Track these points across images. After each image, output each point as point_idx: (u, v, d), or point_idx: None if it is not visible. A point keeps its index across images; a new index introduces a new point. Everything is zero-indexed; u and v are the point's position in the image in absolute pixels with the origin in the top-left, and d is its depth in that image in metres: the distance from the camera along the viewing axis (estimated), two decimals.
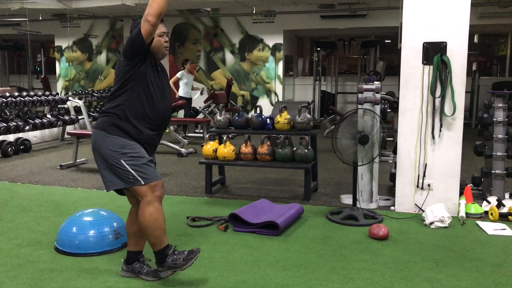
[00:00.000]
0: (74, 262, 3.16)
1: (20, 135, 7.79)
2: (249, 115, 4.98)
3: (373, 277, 2.94)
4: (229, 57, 12.97)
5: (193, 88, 9.70)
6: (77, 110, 9.84)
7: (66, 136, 8.82)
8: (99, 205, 4.39)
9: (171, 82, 9.41)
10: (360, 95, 4.54)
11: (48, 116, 8.47)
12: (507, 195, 4.48)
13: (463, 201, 4.18)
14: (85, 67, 14.32)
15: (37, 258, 3.22)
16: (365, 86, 4.51)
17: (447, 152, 4.19)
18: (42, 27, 13.90)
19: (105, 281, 2.87)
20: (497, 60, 13.60)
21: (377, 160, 4.49)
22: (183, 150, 7.48)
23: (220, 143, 5.09)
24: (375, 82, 4.53)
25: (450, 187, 4.21)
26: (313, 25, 12.26)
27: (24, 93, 8.24)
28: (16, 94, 8.12)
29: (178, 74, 9.49)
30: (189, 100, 9.56)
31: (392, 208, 4.43)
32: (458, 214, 4.12)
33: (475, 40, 13.42)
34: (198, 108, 10.17)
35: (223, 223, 3.89)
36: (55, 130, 8.95)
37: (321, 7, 11.68)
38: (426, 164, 4.24)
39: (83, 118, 9.34)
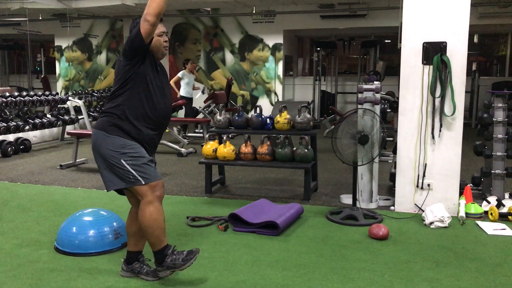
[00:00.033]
0: (74, 262, 3.16)
1: (20, 135, 7.79)
2: (249, 115, 4.98)
3: (373, 277, 2.94)
4: (229, 57, 12.97)
5: (194, 88, 9.70)
6: (77, 110, 9.84)
7: (66, 136, 8.81)
8: (99, 205, 4.39)
9: (172, 81, 9.43)
10: (360, 95, 4.54)
11: (48, 116, 8.47)
12: (507, 195, 4.48)
13: (463, 201, 4.18)
14: (85, 67, 14.32)
15: (37, 258, 3.22)
16: (365, 86, 4.52)
17: (447, 152, 4.19)
18: (42, 27, 13.90)
19: (105, 281, 2.87)
20: (497, 60, 13.60)
21: (377, 160, 4.49)
22: (183, 150, 7.48)
23: (220, 143, 5.09)
24: (375, 82, 4.53)
25: (450, 187, 4.22)
26: (313, 25, 12.26)
27: (24, 93, 8.24)
28: (16, 94, 8.12)
29: (180, 74, 9.49)
30: (190, 99, 9.57)
31: (392, 208, 4.43)
32: (458, 214, 4.12)
33: (475, 40, 13.42)
34: (198, 108, 10.17)
35: (223, 223, 3.89)
36: (55, 130, 8.95)
37: (321, 7, 11.68)
38: (426, 164, 4.24)
39: (83, 118, 9.34)
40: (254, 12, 12.04)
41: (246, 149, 4.85)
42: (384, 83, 8.96)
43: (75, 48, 14.30)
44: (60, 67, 14.61)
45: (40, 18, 13.03)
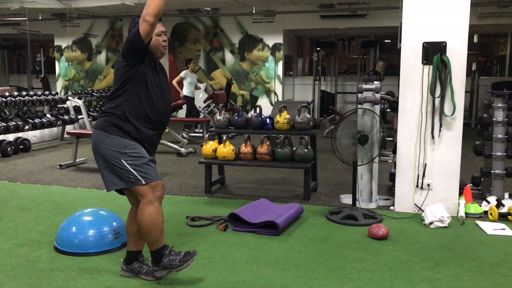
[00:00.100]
0: (74, 261, 3.16)
1: (20, 134, 7.79)
2: (249, 115, 4.98)
3: (372, 277, 2.94)
4: (228, 57, 12.97)
5: (196, 88, 9.70)
6: (77, 109, 9.84)
7: (65, 135, 8.81)
8: (98, 204, 4.39)
9: (174, 81, 9.43)
10: (359, 95, 4.54)
11: (48, 115, 8.47)
12: (506, 195, 4.48)
13: (462, 201, 4.18)
14: (84, 66, 14.32)
15: (37, 258, 3.22)
16: (364, 86, 4.51)
17: (446, 152, 4.19)
18: (41, 26, 13.90)
19: (104, 280, 2.87)
20: (497, 60, 13.60)
21: (376, 160, 4.49)
22: (182, 149, 7.48)
23: (219, 143, 5.09)
24: (375, 82, 4.53)
25: (450, 187, 4.22)
26: (313, 25, 12.26)
27: (24, 93, 8.24)
28: (16, 93, 8.12)
29: (182, 74, 9.48)
30: (193, 99, 9.56)
31: (391, 208, 4.43)
32: (457, 214, 4.12)
33: (475, 40, 13.43)
34: (198, 107, 10.16)
35: (223, 223, 3.89)
36: (54, 129, 8.95)
37: (321, 7, 11.68)
38: (425, 164, 4.24)
39: (82, 118, 9.34)
40: (254, 12, 12.04)
41: (245, 149, 4.85)
42: (384, 83, 8.97)
43: (75, 48, 14.30)
44: (59, 67, 14.61)
45: (40, 17, 13.02)
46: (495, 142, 4.51)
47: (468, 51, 4.13)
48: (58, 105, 9.17)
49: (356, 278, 2.92)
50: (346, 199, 4.69)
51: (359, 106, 4.45)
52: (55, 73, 14.75)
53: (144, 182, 2.70)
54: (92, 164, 6.33)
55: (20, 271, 3.01)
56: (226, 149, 4.85)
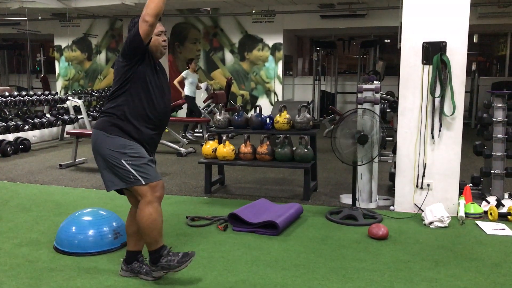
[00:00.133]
0: (73, 261, 3.16)
1: (20, 134, 7.79)
2: (249, 115, 4.98)
3: (372, 276, 2.94)
4: (228, 57, 12.97)
5: (197, 87, 9.70)
6: (77, 109, 9.84)
7: (65, 135, 8.81)
8: (98, 204, 4.39)
9: (176, 81, 9.43)
10: (359, 95, 4.54)
11: (48, 115, 8.47)
12: (506, 195, 4.48)
13: (462, 201, 4.18)
14: (84, 66, 14.32)
15: (36, 258, 3.22)
16: (364, 86, 4.51)
17: (446, 152, 4.19)
18: (41, 26, 13.90)
19: (104, 280, 2.87)
20: (497, 60, 13.60)
21: (376, 160, 4.49)
22: (182, 149, 7.48)
23: (219, 142, 5.08)
24: (375, 82, 4.53)
25: (450, 187, 4.21)
26: (313, 25, 12.26)
27: (24, 93, 8.24)
28: (16, 93, 8.12)
29: (183, 74, 9.47)
30: (194, 99, 9.56)
31: (391, 208, 4.43)
32: (457, 214, 4.12)
33: (475, 40, 13.43)
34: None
35: (223, 223, 3.89)
36: (54, 129, 8.95)
37: (320, 6, 11.68)
38: (425, 164, 4.24)
39: (82, 118, 9.33)
40: (253, 11, 12.04)
41: (245, 149, 4.85)
42: (384, 83, 8.97)
43: (75, 47, 14.30)
44: (59, 66, 14.61)
45: (40, 17, 13.02)
46: (495, 142, 4.51)
47: (468, 51, 4.13)
48: (58, 105, 9.17)
49: (356, 278, 2.92)
50: (346, 199, 4.69)
51: (359, 106, 4.45)
52: (55, 73, 14.75)
53: (144, 182, 2.70)
54: (92, 164, 6.33)
55: (20, 271, 3.01)
56: (226, 149, 4.84)
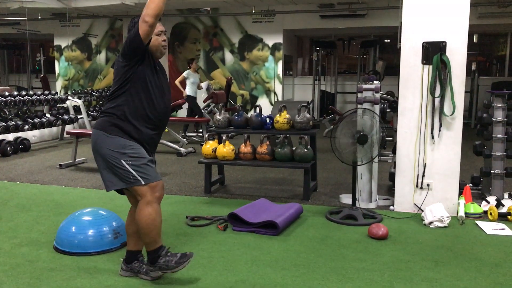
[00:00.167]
0: (73, 261, 3.16)
1: (19, 134, 7.79)
2: (249, 115, 4.98)
3: (372, 276, 2.94)
4: (228, 57, 12.97)
5: (199, 87, 9.70)
6: (76, 109, 9.84)
7: (65, 135, 8.81)
8: (98, 204, 4.39)
9: (177, 81, 9.43)
10: (359, 95, 4.54)
11: (48, 115, 8.47)
12: (506, 195, 4.48)
13: (462, 201, 4.18)
14: (84, 66, 14.32)
15: (36, 258, 3.22)
16: (364, 86, 4.51)
17: (446, 152, 4.19)
18: (41, 26, 13.89)
19: (104, 280, 2.87)
20: (497, 60, 13.60)
21: (376, 159, 4.49)
22: (182, 149, 7.47)
23: (219, 142, 5.08)
24: (375, 82, 4.53)
25: (450, 186, 4.22)
26: (313, 25, 12.26)
27: (24, 93, 8.24)
28: (16, 93, 8.11)
29: (185, 73, 9.47)
30: (195, 99, 9.56)
31: (391, 207, 4.43)
32: (457, 214, 4.12)
33: (475, 40, 13.43)
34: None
35: (222, 223, 3.89)
36: (54, 129, 8.95)
37: (320, 6, 11.68)
38: (425, 163, 4.24)
39: (82, 118, 9.33)
40: (253, 11, 12.04)
41: (245, 148, 4.85)
42: (384, 83, 8.97)
43: (75, 47, 14.30)
44: (59, 66, 14.60)
45: (40, 17, 13.02)
46: (494, 142, 4.51)
47: (468, 51, 4.13)
48: (58, 105, 9.17)
49: (355, 278, 2.92)
50: (346, 199, 4.69)
51: (359, 106, 4.45)
52: (54, 73, 14.74)
53: (143, 183, 2.70)
54: (92, 164, 6.33)
55: (20, 270, 3.01)
56: (225, 149, 4.84)
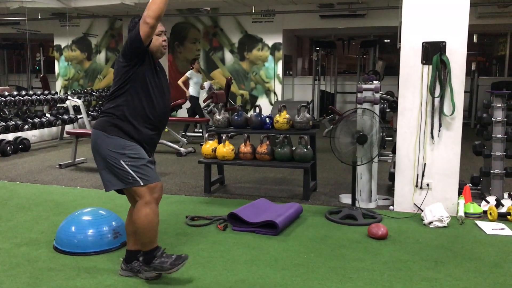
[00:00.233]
0: (73, 261, 3.16)
1: (19, 134, 7.79)
2: (248, 115, 4.98)
3: (372, 276, 2.94)
4: (228, 57, 12.97)
5: (201, 87, 9.70)
6: (76, 109, 9.84)
7: (65, 135, 8.81)
8: (98, 204, 4.39)
9: (180, 81, 9.43)
10: (359, 95, 4.54)
11: (47, 115, 8.47)
12: (506, 195, 4.49)
13: (462, 201, 4.18)
14: (84, 66, 14.31)
15: (36, 257, 3.22)
16: (364, 86, 4.52)
17: (446, 152, 4.19)
18: (41, 26, 13.89)
19: (104, 280, 2.87)
20: (496, 60, 13.60)
21: (376, 159, 4.49)
22: (182, 149, 7.47)
23: (219, 142, 5.08)
24: (374, 82, 4.53)
25: (449, 186, 4.22)
26: (313, 25, 12.26)
27: (23, 92, 8.23)
28: (15, 93, 8.11)
29: (188, 74, 9.47)
30: (198, 99, 9.56)
31: (391, 207, 4.43)
32: (457, 214, 4.12)
33: (474, 40, 13.42)
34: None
35: (222, 223, 3.89)
36: (54, 129, 8.95)
37: (320, 6, 11.68)
38: (425, 163, 4.24)
39: (82, 117, 9.33)
40: (253, 11, 12.03)
41: (245, 148, 4.85)
42: (384, 83, 8.96)
43: (74, 47, 14.29)
44: (59, 66, 14.60)
45: (39, 17, 13.01)
46: (494, 142, 4.51)
47: (467, 51, 4.13)
48: (58, 105, 9.17)
49: (355, 277, 2.92)
50: (346, 198, 4.69)
51: (359, 106, 4.45)
52: (54, 73, 14.74)
53: (142, 184, 2.70)
54: (92, 164, 6.33)
55: (20, 270, 3.01)
56: (225, 149, 4.84)
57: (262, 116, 4.86)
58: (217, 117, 5.03)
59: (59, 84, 14.56)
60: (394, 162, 4.68)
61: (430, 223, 3.91)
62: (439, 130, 4.17)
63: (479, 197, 4.62)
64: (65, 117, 8.59)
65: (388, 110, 7.33)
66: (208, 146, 4.97)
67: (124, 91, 2.73)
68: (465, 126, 4.45)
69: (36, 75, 15.62)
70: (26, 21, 12.38)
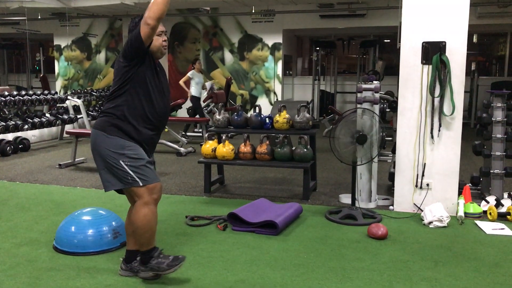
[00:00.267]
0: (73, 261, 3.16)
1: (19, 134, 7.79)
2: (248, 115, 4.98)
3: (371, 276, 2.94)
4: (228, 57, 12.97)
5: (203, 87, 9.70)
6: (76, 109, 9.83)
7: (65, 135, 8.81)
8: (97, 204, 4.39)
9: (182, 81, 9.42)
10: (359, 95, 4.54)
11: (47, 115, 8.47)
12: (505, 195, 4.49)
13: (461, 201, 4.18)
14: (84, 66, 14.31)
15: (36, 257, 3.22)
16: (364, 86, 4.52)
17: (446, 152, 4.19)
18: (41, 26, 13.88)
19: (104, 280, 2.87)
20: (496, 60, 13.60)
21: (376, 159, 4.49)
22: (182, 149, 7.47)
23: (219, 142, 5.08)
24: (374, 82, 4.53)
25: (449, 186, 4.22)
26: (313, 25, 12.26)
27: (23, 92, 8.23)
28: (15, 93, 8.11)
29: (189, 74, 9.46)
30: (200, 99, 9.56)
31: (391, 207, 4.43)
32: (456, 214, 4.12)
33: (474, 40, 13.42)
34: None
35: (222, 223, 3.89)
36: (54, 129, 8.94)
37: (320, 6, 11.68)
38: (425, 163, 4.24)
39: (82, 117, 9.33)
40: (253, 11, 12.03)
41: (245, 148, 4.85)
42: (383, 83, 8.96)
43: (74, 47, 14.29)
44: (59, 66, 14.60)
45: (39, 17, 13.01)
46: (494, 141, 4.51)
47: (467, 51, 4.13)
48: (58, 105, 9.17)
49: (355, 277, 2.92)
50: (346, 198, 4.69)
51: (359, 105, 4.45)
52: (54, 73, 14.73)
53: (141, 184, 2.70)
54: (91, 164, 6.33)
55: (19, 270, 3.01)
56: (225, 149, 4.84)
57: (262, 116, 4.86)
58: (217, 117, 5.03)
59: (59, 84, 14.56)
60: (394, 162, 4.68)
61: (430, 223, 3.91)
62: (439, 130, 4.17)
63: (479, 197, 4.62)
64: (65, 117, 8.59)
65: (388, 110, 7.34)
66: (208, 146, 4.97)
67: (124, 91, 2.73)
68: (465, 126, 4.46)
69: (36, 75, 15.61)
70: (26, 21, 12.38)
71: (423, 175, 4.25)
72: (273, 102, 12.32)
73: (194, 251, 3.33)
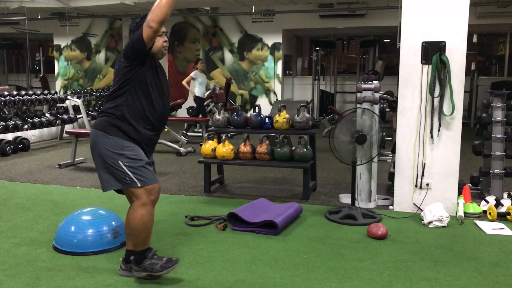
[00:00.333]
0: (73, 261, 3.16)
1: (19, 134, 7.79)
2: (248, 115, 4.98)
3: (371, 276, 2.94)
4: (228, 56, 12.97)
5: (207, 88, 9.70)
6: (76, 109, 9.83)
7: (64, 135, 8.81)
8: (97, 204, 4.39)
9: (185, 81, 9.42)
10: (359, 95, 4.54)
11: (47, 115, 8.47)
12: (505, 195, 4.49)
13: (461, 201, 4.18)
14: (84, 66, 14.31)
15: (36, 257, 3.22)
16: (364, 86, 4.52)
17: (445, 152, 4.19)
18: (40, 26, 13.88)
19: (103, 280, 2.87)
20: (496, 59, 13.60)
21: (375, 159, 4.49)
22: (182, 149, 7.47)
23: (219, 142, 5.08)
24: (374, 82, 4.53)
25: (449, 186, 4.22)
26: (312, 25, 12.26)
27: (23, 92, 8.23)
28: (15, 93, 8.11)
29: (192, 74, 9.45)
30: (203, 100, 9.55)
31: (390, 207, 4.44)
32: (456, 214, 4.12)
33: (474, 39, 13.42)
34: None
35: (222, 222, 3.89)
36: (53, 129, 8.95)
37: (320, 6, 11.68)
38: (424, 163, 4.24)
39: (81, 117, 9.33)
40: (253, 11, 12.03)
41: (245, 148, 4.85)
42: (383, 83, 8.96)
43: (74, 47, 14.29)
44: (59, 66, 14.59)
45: (39, 17, 13.00)
46: (494, 141, 4.51)
47: (467, 50, 4.13)
48: (57, 105, 9.17)
49: (355, 277, 2.92)
50: (345, 198, 4.69)
51: (358, 105, 4.45)
52: (54, 73, 14.73)
53: (139, 185, 2.70)
54: (91, 164, 6.32)
55: (19, 270, 3.01)
56: (225, 149, 4.84)
57: (262, 116, 4.86)
58: (217, 117, 5.03)
59: (58, 84, 14.56)
60: (394, 162, 4.68)
61: (430, 223, 3.91)
62: (439, 130, 4.18)
63: (478, 197, 4.62)
64: (65, 117, 8.59)
65: (387, 110, 7.34)
66: (208, 146, 4.97)
67: (124, 91, 2.73)
68: (464, 126, 4.45)
69: (36, 75, 15.61)
70: (26, 21, 12.37)
71: (423, 175, 4.25)
72: (273, 102, 12.33)
73: (194, 251, 3.33)
